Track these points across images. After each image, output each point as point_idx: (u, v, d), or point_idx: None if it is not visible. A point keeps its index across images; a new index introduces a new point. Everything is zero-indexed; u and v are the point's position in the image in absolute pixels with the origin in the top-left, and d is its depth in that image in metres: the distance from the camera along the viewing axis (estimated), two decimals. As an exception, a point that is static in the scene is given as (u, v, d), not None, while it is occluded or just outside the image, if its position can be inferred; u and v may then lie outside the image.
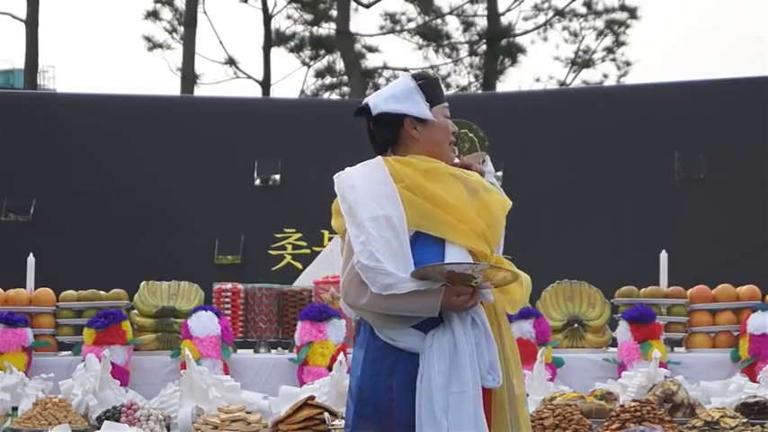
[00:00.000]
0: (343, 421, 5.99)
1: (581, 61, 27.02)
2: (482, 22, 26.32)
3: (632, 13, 26.47)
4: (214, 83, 29.14)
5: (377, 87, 26.13)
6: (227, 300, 8.22)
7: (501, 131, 8.47)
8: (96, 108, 12.28)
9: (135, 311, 8.21)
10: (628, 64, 26.97)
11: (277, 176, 11.90)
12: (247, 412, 6.87)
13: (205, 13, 26.33)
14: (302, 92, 26.89)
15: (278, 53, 27.48)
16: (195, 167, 11.78)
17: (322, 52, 26.68)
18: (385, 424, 3.84)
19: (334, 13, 25.59)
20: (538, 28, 26.68)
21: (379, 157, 4.00)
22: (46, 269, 8.80)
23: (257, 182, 11.92)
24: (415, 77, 4.06)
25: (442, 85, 4.21)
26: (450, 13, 26.41)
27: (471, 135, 4.36)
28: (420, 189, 3.88)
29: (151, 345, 8.10)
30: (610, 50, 27.01)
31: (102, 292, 8.27)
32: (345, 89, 26.35)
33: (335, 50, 25.91)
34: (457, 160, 4.13)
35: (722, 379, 7.66)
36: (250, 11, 36.81)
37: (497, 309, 3.96)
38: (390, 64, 26.70)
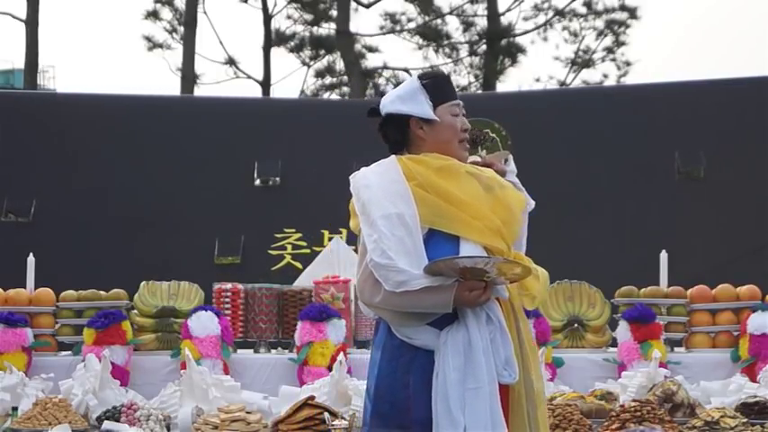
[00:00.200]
0: (344, 421, 6.02)
1: (581, 61, 27.03)
2: (482, 22, 26.34)
3: (632, 13, 26.48)
4: (214, 83, 29.24)
5: (377, 87, 26.16)
6: (227, 300, 8.22)
7: (501, 131, 8.49)
8: (96, 108, 12.28)
9: (135, 311, 8.21)
10: (628, 64, 27.00)
11: (277, 176, 11.89)
12: (247, 412, 6.87)
13: (205, 13, 26.38)
14: (302, 92, 26.90)
15: (278, 53, 27.53)
16: (195, 167, 11.78)
17: (322, 52, 26.69)
18: (402, 421, 3.87)
19: (334, 13, 25.59)
20: (538, 28, 26.69)
21: (393, 156, 4.04)
22: (46, 269, 8.80)
23: (257, 182, 11.91)
24: (422, 77, 4.09)
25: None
26: (451, 13, 26.42)
27: (494, 135, 4.37)
28: (433, 187, 3.91)
29: (151, 345, 8.10)
30: (610, 50, 27.02)
31: (102, 292, 8.27)
32: (345, 89, 26.35)
33: (335, 50, 25.91)
34: (479, 159, 4.15)
35: (722, 379, 7.66)
36: (250, 11, 36.90)
37: (515, 305, 3.97)
38: (390, 64, 26.72)
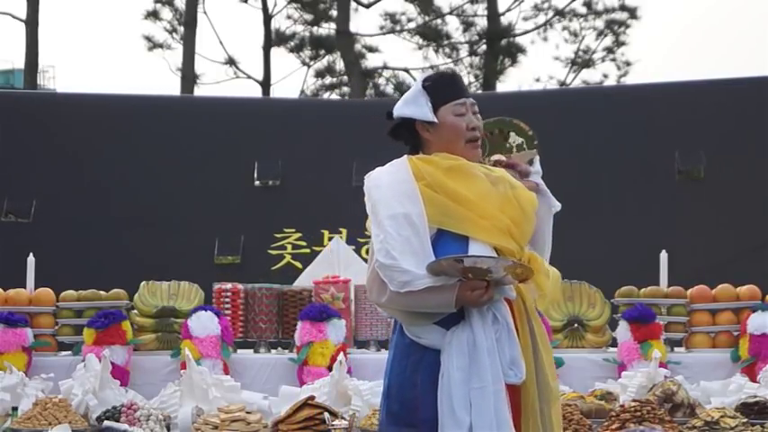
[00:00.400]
0: (344, 421, 6.02)
1: (581, 61, 27.03)
2: (482, 22, 26.34)
3: (632, 13, 26.48)
4: (214, 83, 29.20)
5: (377, 87, 26.18)
6: (227, 300, 8.22)
7: (501, 131, 8.49)
8: (96, 108, 12.28)
9: (135, 311, 8.21)
10: (628, 64, 27.00)
11: (277, 176, 11.89)
12: (247, 412, 6.87)
13: (205, 13, 26.38)
14: (302, 92, 26.90)
15: (278, 53, 27.52)
16: (195, 167, 11.77)
17: (322, 52, 26.69)
18: (411, 420, 3.89)
19: (334, 13, 25.59)
20: (538, 28, 26.70)
21: (405, 156, 4.05)
22: (46, 269, 8.80)
23: (257, 182, 11.91)
24: (425, 79, 4.12)
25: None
26: (451, 13, 26.42)
27: (520, 135, 4.35)
28: (441, 186, 3.93)
29: (151, 345, 8.10)
30: (610, 50, 27.02)
31: (102, 292, 8.27)
32: (345, 89, 26.35)
33: (335, 50, 25.91)
34: (503, 158, 4.15)
35: (722, 379, 7.66)
36: (250, 11, 36.88)
37: (528, 305, 3.97)
38: (390, 64, 26.73)
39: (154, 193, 11.70)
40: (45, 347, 8.11)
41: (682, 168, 11.56)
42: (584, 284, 8.30)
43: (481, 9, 26.35)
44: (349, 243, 10.22)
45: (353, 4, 25.03)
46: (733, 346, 8.08)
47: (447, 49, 26.66)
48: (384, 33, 26.39)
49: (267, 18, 25.87)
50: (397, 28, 26.41)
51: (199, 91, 24.51)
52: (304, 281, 8.86)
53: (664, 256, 8.49)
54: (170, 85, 44.05)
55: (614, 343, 8.13)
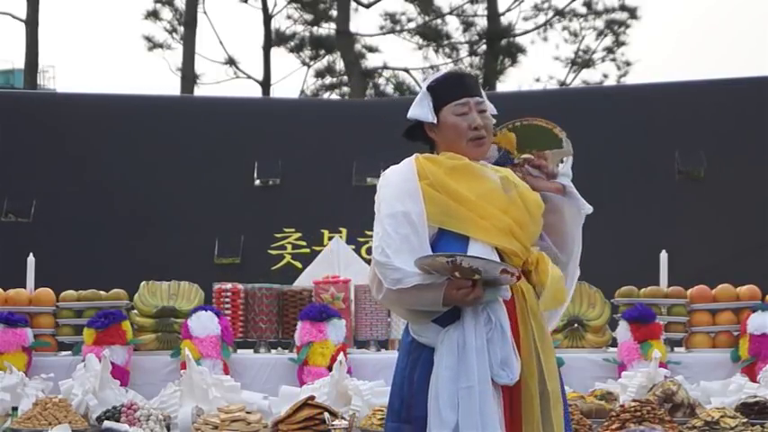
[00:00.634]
0: (344, 421, 6.02)
1: (581, 61, 27.04)
2: (482, 22, 26.35)
3: (632, 13, 26.50)
4: (214, 83, 29.23)
5: (377, 87, 26.18)
6: (227, 300, 8.21)
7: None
8: (96, 108, 12.27)
9: (135, 311, 8.20)
10: (628, 64, 27.02)
11: (277, 176, 11.89)
12: (247, 412, 6.87)
13: (205, 13, 26.39)
14: (302, 92, 26.90)
15: (278, 53, 27.54)
16: (195, 167, 11.77)
17: (322, 52, 26.69)
18: (407, 417, 3.94)
19: (334, 13, 25.60)
20: (538, 28, 26.71)
21: (415, 154, 4.09)
22: (46, 269, 8.79)
23: (257, 182, 11.91)
24: (431, 80, 4.17)
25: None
26: (451, 13, 26.43)
27: (559, 137, 4.34)
28: (443, 186, 3.96)
29: (151, 345, 8.10)
30: (610, 50, 27.04)
31: (102, 292, 8.27)
32: (345, 89, 26.35)
33: (335, 50, 25.92)
34: (531, 157, 4.15)
35: (722, 379, 7.65)
36: (250, 11, 36.87)
37: (530, 306, 3.97)
38: (390, 64, 26.74)
39: (154, 193, 11.70)
40: (45, 347, 8.11)
41: (682, 168, 11.56)
42: (585, 284, 8.29)
43: (481, 9, 26.37)
44: (349, 243, 10.22)
45: (353, 4, 25.04)
46: (733, 346, 8.07)
47: (447, 49, 26.68)
48: (384, 33, 26.41)
49: (267, 18, 25.88)
50: (397, 28, 26.43)
51: (199, 91, 24.54)
52: (304, 281, 8.86)
53: (664, 256, 8.49)
54: (170, 85, 44.08)
55: (614, 343, 8.13)
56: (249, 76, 26.04)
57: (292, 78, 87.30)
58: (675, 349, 8.23)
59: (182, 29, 25.07)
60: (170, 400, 7.26)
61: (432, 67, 26.10)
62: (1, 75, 35.71)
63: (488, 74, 25.54)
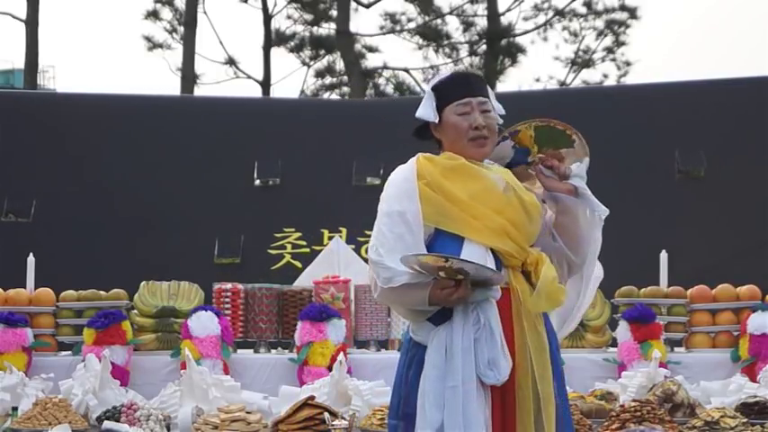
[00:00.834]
0: (344, 421, 6.02)
1: (581, 61, 27.05)
2: (482, 22, 26.35)
3: (632, 13, 26.50)
4: (214, 83, 29.23)
5: (377, 87, 26.18)
6: (227, 300, 8.21)
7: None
8: (96, 108, 12.27)
9: (135, 311, 8.20)
10: (628, 64, 27.02)
11: (277, 176, 11.89)
12: (247, 412, 6.87)
13: (205, 13, 26.40)
14: (302, 92, 26.90)
15: (278, 53, 27.55)
16: (195, 167, 11.77)
17: (322, 52, 26.69)
18: (402, 414, 4.00)
19: (334, 13, 25.59)
20: (538, 28, 26.71)
21: (418, 154, 4.11)
22: (46, 269, 8.79)
23: (257, 182, 11.91)
24: (436, 80, 4.20)
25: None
26: (451, 13, 26.43)
27: (573, 138, 4.36)
28: (439, 186, 3.98)
29: (151, 345, 8.10)
30: (610, 50, 27.05)
31: (102, 292, 8.27)
32: (345, 89, 26.35)
33: (335, 50, 25.92)
34: (543, 156, 4.15)
35: (722, 379, 7.65)
36: (250, 11, 36.89)
37: (525, 306, 3.96)
38: (390, 64, 26.74)
39: (154, 192, 11.69)
40: (45, 347, 8.11)
41: (682, 168, 11.56)
42: (584, 284, 8.29)
43: (481, 9, 26.37)
44: (349, 243, 10.22)
45: (353, 4, 25.04)
46: (733, 346, 8.07)
47: (447, 49, 26.67)
48: (384, 33, 26.40)
49: (267, 18, 25.88)
50: (397, 28, 26.43)
51: (199, 91, 24.54)
52: (304, 281, 8.86)
53: (664, 256, 8.49)
54: (170, 85, 44.09)
55: (614, 343, 8.13)
56: (249, 76, 26.05)
57: (292, 78, 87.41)
58: (675, 349, 8.23)
59: (182, 29, 25.07)
60: (170, 400, 7.26)
61: (432, 67, 26.13)
62: (1, 75, 35.72)
63: (488, 74, 25.52)
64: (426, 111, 4.11)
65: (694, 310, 8.28)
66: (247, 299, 8.22)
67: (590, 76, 27.53)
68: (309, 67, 26.88)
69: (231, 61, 26.00)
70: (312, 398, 6.82)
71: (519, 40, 26.26)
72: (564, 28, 27.02)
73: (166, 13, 26.04)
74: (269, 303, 8.20)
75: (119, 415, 7.05)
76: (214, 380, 7.29)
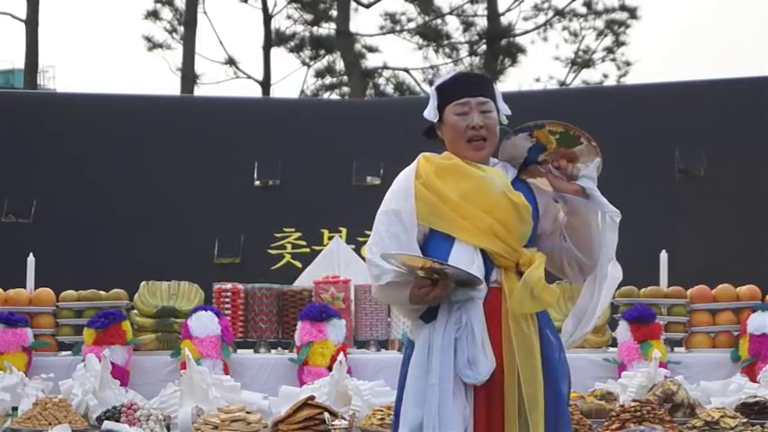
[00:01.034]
0: (344, 421, 6.03)
1: (581, 61, 27.04)
2: (482, 22, 26.35)
3: (632, 13, 26.50)
4: (214, 83, 29.18)
5: (377, 87, 26.17)
6: (227, 300, 8.21)
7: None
8: (96, 108, 12.27)
9: (135, 311, 8.20)
10: (628, 64, 27.02)
11: (277, 176, 11.89)
12: (247, 412, 6.87)
13: (205, 13, 26.38)
14: (302, 92, 26.89)
15: (278, 53, 27.52)
16: (195, 167, 11.77)
17: (322, 52, 26.69)
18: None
19: (334, 13, 25.59)
20: (538, 28, 26.71)
21: (422, 153, 4.16)
22: (46, 269, 8.79)
23: (257, 182, 11.91)
24: (440, 80, 4.24)
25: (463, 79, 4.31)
26: (451, 13, 26.42)
27: (581, 140, 4.36)
28: (432, 186, 4.02)
29: (151, 345, 8.10)
30: (610, 50, 27.04)
31: (102, 292, 8.27)
32: (345, 89, 26.34)
33: (335, 50, 25.91)
34: (553, 156, 4.16)
35: (722, 379, 7.65)
36: (250, 11, 36.85)
37: (513, 307, 3.97)
38: (390, 64, 26.73)
39: (154, 192, 11.69)
40: (45, 347, 8.11)
41: (682, 168, 11.56)
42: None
43: (481, 9, 26.37)
44: (349, 243, 10.21)
45: (353, 4, 25.03)
46: (733, 346, 8.07)
47: (447, 49, 26.67)
48: (384, 33, 26.40)
49: (267, 18, 25.88)
50: (397, 28, 26.42)
51: (199, 91, 24.54)
52: (304, 281, 8.86)
53: (664, 256, 8.48)
54: (170, 85, 44.06)
55: (614, 343, 8.12)
56: (249, 76, 26.05)
57: (292, 78, 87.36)
58: (675, 349, 8.23)
59: (182, 29, 25.07)
60: (170, 400, 7.26)
61: (432, 67, 26.14)
62: (1, 75, 35.71)
63: (488, 74, 25.54)
64: (429, 110, 4.15)
65: (694, 310, 8.27)
66: (247, 299, 8.22)
67: (590, 76, 27.55)
68: (309, 67, 26.89)
69: (231, 61, 26.01)
70: (312, 398, 6.82)
71: (519, 40, 26.28)
72: (564, 28, 27.03)
73: (166, 13, 26.07)
74: (269, 303, 8.20)
75: (119, 415, 7.05)
76: (214, 380, 7.29)
